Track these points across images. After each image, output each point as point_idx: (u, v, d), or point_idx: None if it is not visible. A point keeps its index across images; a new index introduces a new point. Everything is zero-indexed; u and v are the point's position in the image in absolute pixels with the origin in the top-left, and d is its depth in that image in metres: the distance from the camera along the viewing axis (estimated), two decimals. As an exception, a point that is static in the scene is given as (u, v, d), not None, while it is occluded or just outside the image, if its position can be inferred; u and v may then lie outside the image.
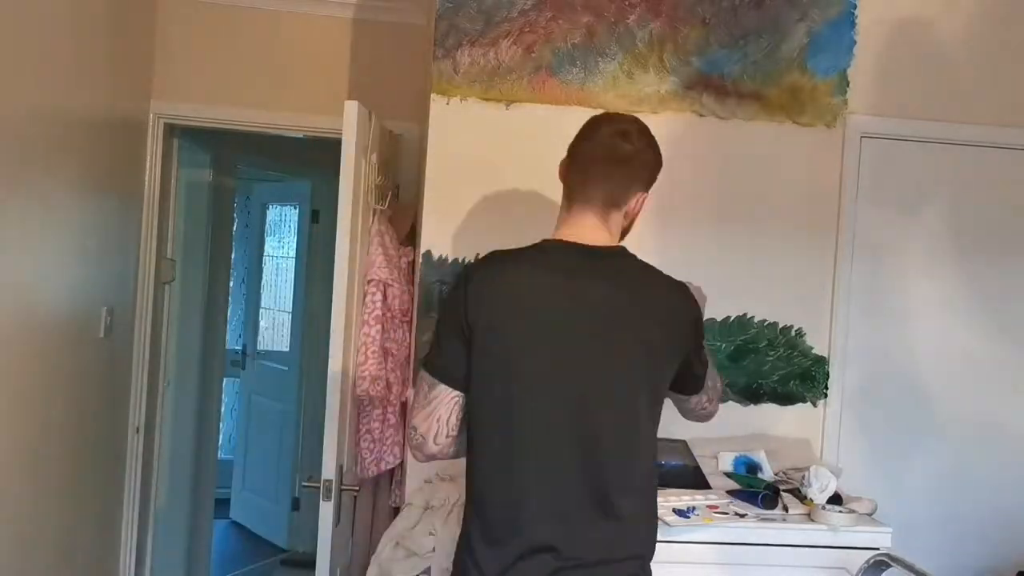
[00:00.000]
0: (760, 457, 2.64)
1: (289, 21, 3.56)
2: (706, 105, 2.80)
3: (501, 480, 1.69)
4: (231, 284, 5.29)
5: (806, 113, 2.83)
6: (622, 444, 1.71)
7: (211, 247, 4.21)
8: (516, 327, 1.69)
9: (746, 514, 2.27)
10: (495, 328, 1.68)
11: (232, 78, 3.54)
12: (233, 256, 5.03)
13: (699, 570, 2.23)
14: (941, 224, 2.95)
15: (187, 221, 4.01)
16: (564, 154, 1.83)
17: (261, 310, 5.88)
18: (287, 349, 5.58)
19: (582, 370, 1.69)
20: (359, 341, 2.69)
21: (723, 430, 2.73)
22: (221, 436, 5.15)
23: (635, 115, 1.87)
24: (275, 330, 5.88)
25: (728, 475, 2.60)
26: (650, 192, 1.83)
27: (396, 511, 2.84)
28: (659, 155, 1.82)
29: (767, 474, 2.59)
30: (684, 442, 2.63)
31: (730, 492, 2.40)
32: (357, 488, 2.69)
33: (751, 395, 2.82)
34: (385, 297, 2.78)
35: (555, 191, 1.84)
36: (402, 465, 2.86)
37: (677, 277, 1.83)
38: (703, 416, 2.04)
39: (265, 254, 5.96)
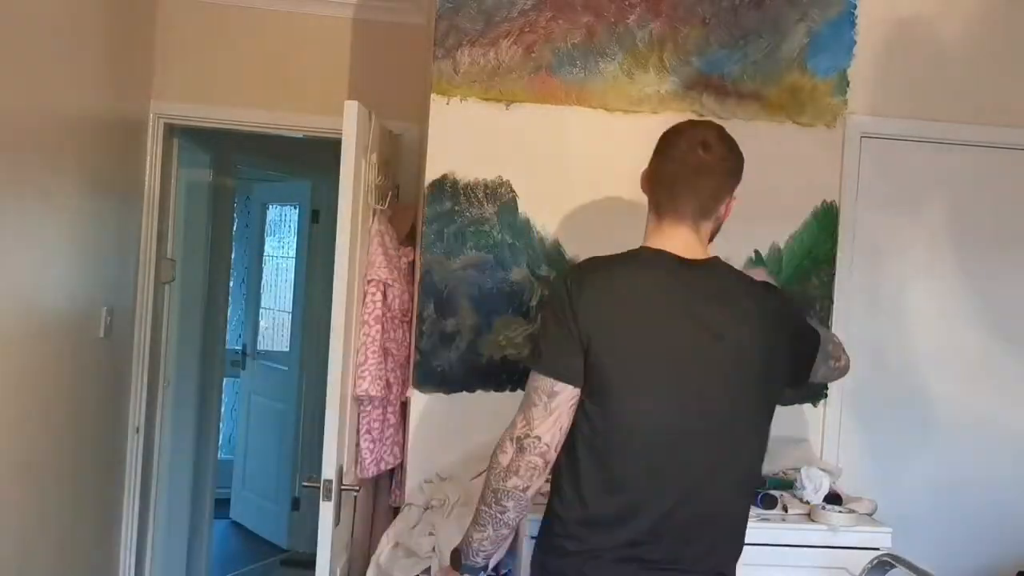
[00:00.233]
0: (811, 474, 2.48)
1: (289, 21, 3.55)
2: (706, 105, 2.80)
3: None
4: (231, 284, 5.29)
5: (806, 113, 2.83)
6: (732, 467, 1.74)
7: (211, 247, 4.21)
8: (629, 336, 1.69)
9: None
10: (611, 336, 1.68)
11: (232, 78, 3.54)
12: (233, 256, 5.03)
13: (699, 570, 2.23)
14: (941, 224, 2.95)
15: (187, 221, 4.01)
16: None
17: (261, 310, 5.88)
18: (287, 349, 5.58)
19: (697, 386, 1.71)
20: (359, 341, 2.69)
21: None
22: (221, 436, 5.15)
23: (711, 120, 1.89)
24: (275, 330, 5.88)
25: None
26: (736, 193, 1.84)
27: (396, 511, 2.84)
28: (740, 156, 1.83)
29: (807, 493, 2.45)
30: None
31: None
32: (357, 488, 2.69)
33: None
34: (385, 297, 2.78)
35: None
36: (402, 465, 2.86)
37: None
38: (839, 375, 2.10)
39: (265, 254, 5.96)
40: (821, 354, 1.94)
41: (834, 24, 2.83)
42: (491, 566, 1.87)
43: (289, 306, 5.62)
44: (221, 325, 4.58)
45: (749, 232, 2.80)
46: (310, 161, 4.87)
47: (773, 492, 2.37)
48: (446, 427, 2.75)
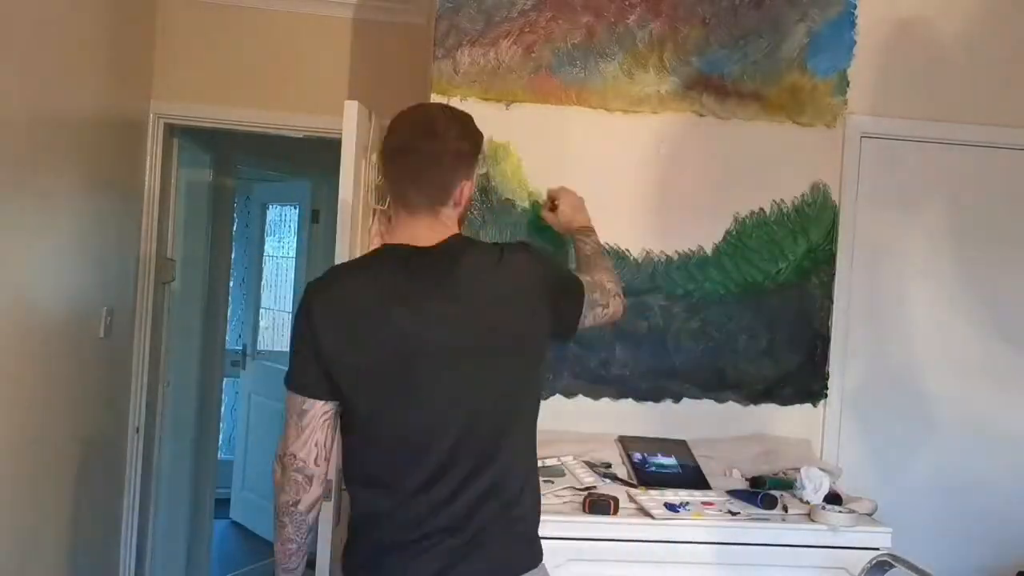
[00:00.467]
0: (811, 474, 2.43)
1: (289, 21, 3.56)
2: (706, 105, 2.80)
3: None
4: (231, 284, 5.29)
5: (806, 113, 2.83)
6: (503, 432, 1.69)
7: (211, 247, 4.21)
8: (356, 346, 1.66)
9: (739, 512, 2.27)
10: (344, 347, 1.66)
11: (232, 78, 3.54)
12: (233, 256, 5.03)
13: (699, 570, 2.23)
14: (941, 224, 2.96)
15: (187, 221, 4.01)
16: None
17: (261, 310, 5.88)
18: (287, 349, 5.57)
19: (448, 374, 1.66)
20: (359, 341, 2.68)
21: (723, 430, 2.73)
22: (221, 436, 5.14)
23: (442, 103, 1.82)
24: (275, 330, 5.88)
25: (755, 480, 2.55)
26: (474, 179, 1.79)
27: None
28: (474, 138, 1.76)
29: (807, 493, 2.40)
30: (684, 442, 2.63)
31: (730, 492, 2.40)
32: (357, 488, 2.68)
33: (751, 395, 2.81)
34: (385, 297, 2.77)
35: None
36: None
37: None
38: (607, 320, 2.02)
39: (265, 254, 5.96)
40: (587, 302, 1.89)
41: (834, 24, 2.83)
42: None
43: (289, 306, 5.62)
44: (221, 325, 4.58)
45: (749, 232, 2.80)
46: (310, 161, 4.87)
47: (773, 492, 2.37)
48: (446, 427, 2.74)
